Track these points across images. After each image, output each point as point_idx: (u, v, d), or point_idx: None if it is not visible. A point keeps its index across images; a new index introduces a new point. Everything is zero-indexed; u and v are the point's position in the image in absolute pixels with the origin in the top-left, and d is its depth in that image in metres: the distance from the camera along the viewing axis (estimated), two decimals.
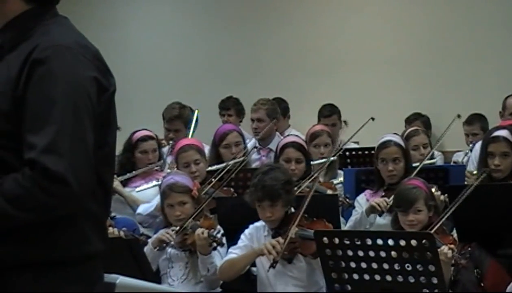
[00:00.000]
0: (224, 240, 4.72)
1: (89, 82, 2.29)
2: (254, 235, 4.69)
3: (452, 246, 4.22)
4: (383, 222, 5.14)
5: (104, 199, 2.43)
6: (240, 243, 4.69)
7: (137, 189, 5.98)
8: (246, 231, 4.72)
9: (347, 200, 5.38)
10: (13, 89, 2.24)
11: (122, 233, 5.02)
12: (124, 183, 6.08)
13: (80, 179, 2.21)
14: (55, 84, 2.23)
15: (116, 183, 5.79)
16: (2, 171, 2.23)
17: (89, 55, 2.34)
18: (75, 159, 2.21)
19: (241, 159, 5.84)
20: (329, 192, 5.54)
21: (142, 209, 5.63)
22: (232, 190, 5.55)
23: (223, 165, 5.74)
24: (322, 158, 6.08)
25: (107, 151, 2.40)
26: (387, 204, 5.07)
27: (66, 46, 2.29)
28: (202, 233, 4.67)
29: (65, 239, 2.30)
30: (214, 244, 4.64)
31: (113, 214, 5.27)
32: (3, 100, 2.25)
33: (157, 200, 5.39)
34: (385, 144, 5.39)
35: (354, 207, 5.42)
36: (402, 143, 5.45)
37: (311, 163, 5.75)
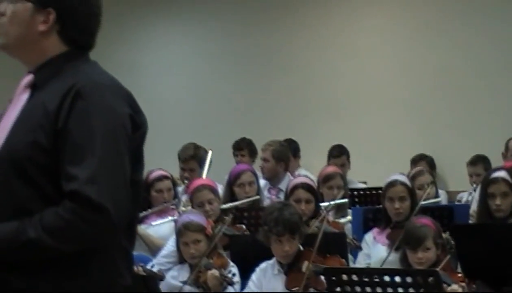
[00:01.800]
0: (237, 278, 4.71)
1: (126, 118, 2.30)
2: (262, 278, 4.69)
3: (463, 284, 4.19)
4: (390, 258, 5.12)
5: (131, 235, 2.43)
6: (248, 290, 4.69)
7: (153, 223, 5.99)
8: (253, 277, 4.72)
9: (355, 241, 5.39)
10: (51, 124, 2.24)
11: (140, 269, 5.00)
12: (140, 220, 6.07)
13: (120, 210, 2.21)
14: (95, 117, 2.24)
15: None
16: (40, 204, 2.22)
17: (123, 94, 2.36)
18: (115, 190, 2.21)
19: (254, 197, 5.83)
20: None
21: (161, 260, 5.57)
22: (244, 227, 5.54)
23: (237, 203, 5.75)
24: (334, 199, 6.10)
25: (134, 190, 2.37)
26: None
27: (104, 83, 2.32)
28: (214, 273, 4.67)
29: (100, 272, 2.29)
30: (225, 284, 4.63)
31: None
32: (42, 135, 2.25)
33: (172, 242, 5.34)
34: (392, 184, 5.44)
35: (361, 248, 5.41)
36: (408, 182, 5.50)
37: (322, 204, 5.76)
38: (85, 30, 2.43)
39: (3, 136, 2.32)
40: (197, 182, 5.92)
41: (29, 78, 2.40)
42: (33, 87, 2.38)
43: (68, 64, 2.37)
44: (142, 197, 2.53)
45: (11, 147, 2.29)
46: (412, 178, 6.12)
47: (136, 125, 2.34)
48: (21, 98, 2.38)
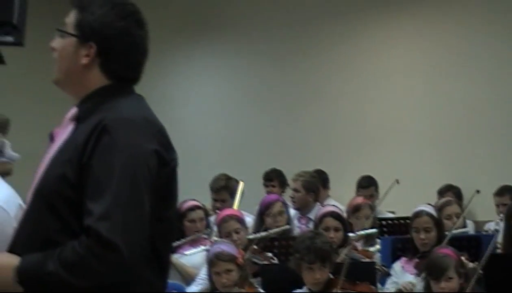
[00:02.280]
0: None
1: (150, 155, 2.25)
2: None
3: None
4: (419, 288, 5.11)
5: (161, 272, 2.36)
6: None
7: (186, 252, 6.02)
8: None
9: (384, 267, 5.39)
10: (78, 158, 2.23)
11: None
12: (174, 250, 6.11)
13: (132, 247, 2.15)
14: (116, 154, 2.21)
15: None
16: (66, 237, 2.20)
17: (154, 130, 2.31)
18: (128, 227, 2.16)
19: (285, 227, 5.87)
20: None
21: (194, 289, 5.60)
22: (271, 255, 5.57)
23: (267, 233, 5.78)
24: (363, 229, 6.12)
25: (165, 225, 2.33)
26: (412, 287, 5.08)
27: (131, 119, 2.27)
28: None
29: None
30: None
31: None
32: (70, 168, 2.24)
33: (204, 272, 5.36)
34: (417, 215, 5.48)
35: (390, 275, 5.41)
36: (434, 213, 5.52)
37: (352, 234, 5.78)
38: (127, 63, 2.42)
39: (43, 169, 2.34)
40: (224, 213, 5.99)
41: (73, 111, 2.40)
42: (78, 120, 2.37)
43: (108, 98, 2.35)
44: (176, 231, 2.46)
45: (44, 180, 2.31)
46: (440, 208, 6.11)
47: (163, 162, 2.29)
48: (65, 131, 2.37)
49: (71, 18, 2.42)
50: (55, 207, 2.24)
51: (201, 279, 5.39)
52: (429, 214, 5.45)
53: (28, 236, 2.30)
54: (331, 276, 4.69)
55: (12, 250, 2.30)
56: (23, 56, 6.69)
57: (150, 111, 2.42)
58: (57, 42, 2.42)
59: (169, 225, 2.37)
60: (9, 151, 8.98)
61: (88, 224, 2.15)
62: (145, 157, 2.24)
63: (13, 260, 2.22)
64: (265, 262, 5.41)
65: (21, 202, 2.58)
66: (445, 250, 4.73)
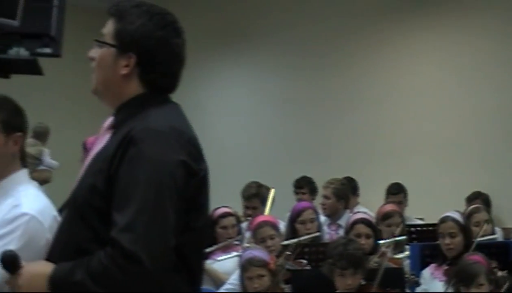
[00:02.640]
0: None
1: (176, 165, 2.21)
2: None
3: None
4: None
5: (191, 280, 2.33)
6: None
7: (218, 258, 6.03)
8: None
9: (413, 277, 5.36)
10: (108, 168, 2.23)
11: None
12: (206, 256, 6.12)
13: (154, 258, 2.13)
14: (142, 165, 2.18)
15: None
16: (96, 246, 2.20)
17: (182, 140, 2.27)
18: (151, 239, 2.14)
19: (315, 234, 5.86)
20: None
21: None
22: (304, 262, 5.56)
23: (299, 239, 5.77)
24: (393, 236, 6.08)
25: (195, 234, 2.31)
26: None
27: (158, 130, 2.24)
28: None
29: None
30: None
31: None
32: (101, 179, 2.24)
33: (236, 276, 5.37)
34: (443, 220, 5.48)
35: (419, 284, 5.38)
36: (459, 219, 5.50)
37: (381, 241, 5.75)
38: (165, 72, 2.38)
39: (79, 178, 2.36)
40: (259, 219, 5.98)
41: (110, 120, 2.40)
42: (114, 128, 2.37)
43: (141, 108, 2.33)
44: (206, 240, 2.42)
45: (78, 189, 2.31)
46: (469, 215, 6.07)
47: (191, 172, 2.25)
48: (102, 140, 2.37)
49: (109, 28, 2.39)
50: (86, 217, 2.25)
51: (231, 284, 5.39)
52: (454, 220, 5.44)
53: (63, 245, 2.32)
54: (363, 282, 4.67)
55: (49, 258, 2.33)
56: (61, 67, 6.76)
57: (182, 120, 2.39)
58: (96, 52, 2.40)
59: (199, 234, 2.34)
60: (48, 159, 9.08)
61: (112, 235, 2.15)
62: (171, 168, 2.21)
63: (47, 268, 2.25)
64: (297, 268, 5.40)
65: (56, 213, 2.60)
66: (475, 257, 4.69)
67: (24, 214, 2.61)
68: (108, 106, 2.44)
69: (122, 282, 2.14)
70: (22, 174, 2.81)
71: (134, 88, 2.37)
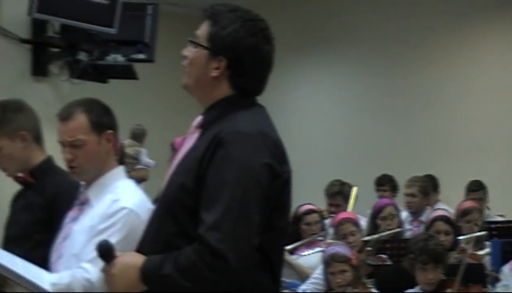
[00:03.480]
0: None
1: (261, 168, 2.24)
2: None
3: None
4: None
5: (273, 276, 2.35)
6: None
7: (302, 254, 6.05)
8: None
9: (493, 273, 5.25)
10: (197, 168, 2.26)
11: None
12: (291, 251, 6.14)
13: (239, 256, 2.17)
14: (229, 167, 2.21)
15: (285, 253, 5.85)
16: (184, 242, 2.24)
17: (267, 143, 2.29)
18: (237, 238, 2.17)
19: (396, 230, 5.82)
20: None
21: (309, 286, 5.61)
22: (384, 256, 5.52)
23: (380, 235, 5.74)
24: (472, 233, 5.98)
25: (276, 235, 2.32)
26: None
27: (246, 133, 2.26)
28: None
29: None
30: None
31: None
32: (191, 178, 2.27)
33: (319, 271, 5.37)
34: None
35: (499, 280, 5.26)
36: None
37: (461, 238, 5.66)
38: (253, 76, 2.40)
39: (169, 176, 2.39)
40: (340, 216, 5.99)
41: (199, 119, 2.43)
42: (202, 127, 2.39)
43: (229, 110, 2.35)
44: (287, 239, 2.43)
45: (169, 187, 2.35)
46: None
47: (275, 174, 2.27)
48: (192, 138, 2.40)
49: (203, 30, 2.41)
50: (175, 213, 2.29)
51: (314, 278, 5.40)
52: None
53: (152, 238, 2.36)
54: (444, 277, 4.62)
55: (139, 250, 2.38)
56: (154, 72, 6.87)
57: (268, 122, 2.41)
58: (189, 51, 2.43)
59: (280, 233, 2.36)
60: (145, 158, 9.26)
61: (200, 233, 2.20)
62: (257, 170, 2.23)
63: (139, 260, 2.30)
64: (379, 263, 5.37)
65: (151, 206, 2.66)
66: None
67: (123, 208, 2.71)
68: (197, 101, 2.46)
69: (208, 278, 2.18)
70: (119, 171, 2.91)
71: (224, 90, 2.38)
